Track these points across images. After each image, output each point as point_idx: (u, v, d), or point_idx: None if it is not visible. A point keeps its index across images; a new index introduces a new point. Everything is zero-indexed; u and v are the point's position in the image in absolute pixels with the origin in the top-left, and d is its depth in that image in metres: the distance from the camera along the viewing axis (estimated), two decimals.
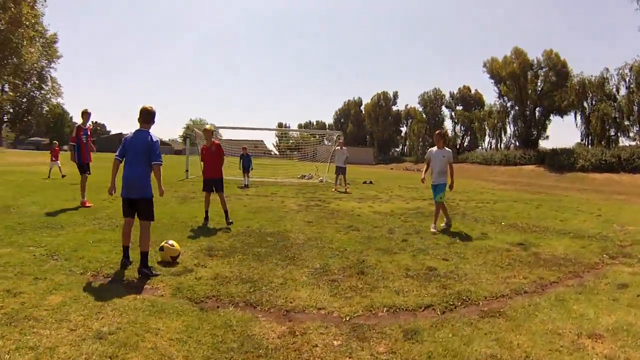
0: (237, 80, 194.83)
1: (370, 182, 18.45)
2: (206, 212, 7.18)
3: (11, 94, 50.03)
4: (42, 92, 56.61)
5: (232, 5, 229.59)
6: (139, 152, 4.30)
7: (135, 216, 4.42)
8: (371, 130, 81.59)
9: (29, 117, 60.57)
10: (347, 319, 3.18)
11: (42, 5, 43.02)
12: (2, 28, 36.28)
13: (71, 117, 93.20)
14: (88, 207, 8.18)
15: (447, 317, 3.20)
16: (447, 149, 7.23)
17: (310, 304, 3.46)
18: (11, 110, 56.45)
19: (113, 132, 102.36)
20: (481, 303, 3.54)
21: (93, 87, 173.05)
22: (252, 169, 15.95)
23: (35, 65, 49.57)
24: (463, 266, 4.71)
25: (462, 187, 18.15)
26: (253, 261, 4.77)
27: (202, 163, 7.48)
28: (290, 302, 3.50)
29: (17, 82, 47.65)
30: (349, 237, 6.31)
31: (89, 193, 8.69)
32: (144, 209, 4.34)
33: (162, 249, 4.61)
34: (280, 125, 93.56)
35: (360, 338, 2.82)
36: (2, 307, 3.18)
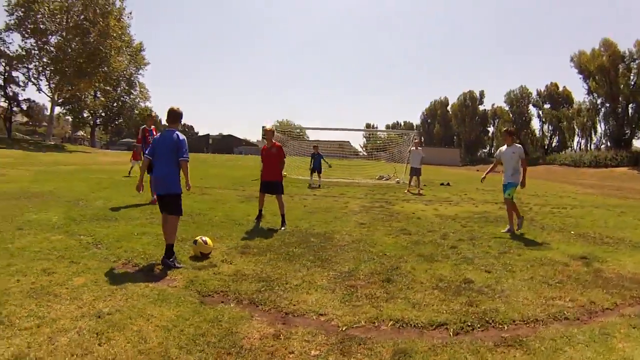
0: (323, 81, 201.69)
1: (448, 184, 18.46)
2: (260, 210, 7.41)
3: (103, 99, 57.79)
4: (132, 96, 64.64)
5: (319, 6, 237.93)
6: (167, 151, 4.72)
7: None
8: (458, 131, 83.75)
9: (120, 120, 69.38)
10: (344, 329, 3.11)
11: (128, 17, 49.39)
12: (92, 40, 42.15)
13: (160, 120, 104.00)
14: (156, 204, 9.01)
15: (456, 340, 2.95)
16: (517, 144, 7.23)
17: (312, 309, 3.47)
18: (103, 114, 65.23)
19: (201, 134, 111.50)
20: (506, 327, 3.19)
21: (181, 90, 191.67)
22: (329, 166, 16.86)
23: (124, 72, 56.69)
24: (505, 280, 4.33)
25: (542, 190, 17.75)
26: (282, 261, 4.92)
27: (261, 164, 7.63)
28: (294, 305, 3.54)
29: (108, 88, 54.78)
30: (395, 241, 6.26)
31: None
32: (170, 204, 4.76)
33: (195, 242, 5.01)
34: (367, 125, 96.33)
35: (342, 352, 2.75)
36: (34, 282, 3.74)
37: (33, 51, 44.74)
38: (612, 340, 3.00)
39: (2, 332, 2.78)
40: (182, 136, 4.81)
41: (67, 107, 57.76)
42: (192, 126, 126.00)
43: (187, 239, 5.59)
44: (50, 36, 44.19)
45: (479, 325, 3.23)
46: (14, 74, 48.87)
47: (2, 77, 49.19)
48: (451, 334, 3.10)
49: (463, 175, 32.17)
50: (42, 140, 52.36)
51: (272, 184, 7.33)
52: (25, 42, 44.34)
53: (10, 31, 43.74)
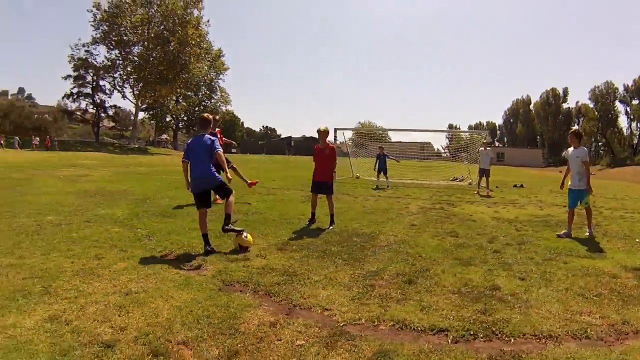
0: (403, 82, 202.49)
1: (521, 186, 18.35)
2: (313, 213, 7.84)
3: (184, 104, 63.26)
4: (213, 101, 69.93)
5: (395, 9, 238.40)
6: (201, 152, 5.59)
7: (210, 206, 5.73)
8: (541, 130, 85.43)
9: None
10: (342, 324, 3.33)
11: (206, 25, 53.89)
12: (172, 49, 46.69)
13: (242, 123, 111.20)
14: (217, 203, 9.91)
15: (449, 348, 2.95)
16: (583, 147, 7.28)
17: (320, 303, 3.74)
18: (185, 118, 71.32)
19: (283, 136, 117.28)
20: (512, 340, 3.11)
21: (261, 94, 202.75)
22: (397, 161, 17.47)
23: (205, 77, 61.57)
24: (536, 290, 4.19)
25: (623, 193, 17.29)
26: (314, 258, 5.27)
27: (314, 164, 8.06)
28: (304, 299, 3.86)
29: (189, 93, 60.02)
30: (439, 243, 6.33)
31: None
32: (220, 191, 5.78)
33: (233, 230, 5.70)
34: (450, 126, 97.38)
35: (327, 345, 2.96)
36: (84, 264, 4.56)
37: (118, 61, 51.42)
38: None
39: (47, 299, 3.54)
40: (212, 138, 5.69)
41: (151, 112, 64.32)
42: (274, 128, 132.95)
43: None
44: (133, 47, 50.12)
45: (482, 335, 3.21)
46: (101, 82, 57.57)
47: (91, 86, 58.02)
48: (449, 341, 3.13)
49: (541, 176, 30.45)
50: (127, 143, 58.73)
51: (323, 185, 7.74)
52: (110, 53, 51.41)
53: (97, 44, 51.41)
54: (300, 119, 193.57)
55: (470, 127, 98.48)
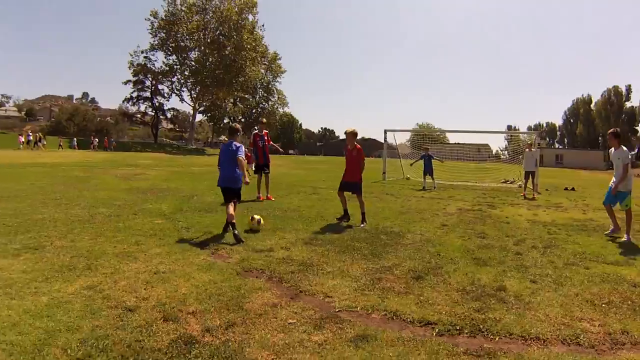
0: (461, 83, 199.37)
1: (572, 189, 17.98)
2: (345, 210, 8.24)
3: (241, 106, 66.03)
4: (270, 103, 72.34)
5: (450, 6, 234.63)
6: (228, 157, 6.67)
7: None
8: (602, 131, 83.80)
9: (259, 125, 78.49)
10: (337, 310, 3.66)
11: (261, 30, 56.04)
12: (228, 53, 49.06)
13: (300, 124, 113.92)
14: (260, 200, 10.61)
15: (429, 339, 3.16)
16: (623, 148, 7.29)
17: (324, 291, 4.09)
18: (243, 120, 74.19)
19: (342, 137, 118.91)
20: (497, 339, 3.23)
21: (319, 95, 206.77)
22: (441, 162, 17.50)
23: (262, 80, 63.93)
24: (543, 293, 4.26)
25: None
26: (336, 252, 5.64)
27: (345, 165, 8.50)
28: (311, 286, 4.24)
29: (246, 96, 62.60)
30: (463, 243, 6.49)
31: (269, 189, 11.22)
32: (234, 195, 6.68)
33: (252, 218, 6.94)
34: (509, 127, 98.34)
35: (315, 325, 3.31)
36: (125, 249, 5.28)
37: (175, 66, 55.10)
38: None
39: (88, 273, 4.24)
40: (238, 144, 6.69)
41: (208, 114, 67.65)
42: (333, 130, 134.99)
43: (276, 228, 7.03)
44: (189, 52, 53.43)
45: (467, 331, 3.35)
46: (159, 87, 61.97)
47: (150, 90, 62.87)
48: (434, 333, 3.30)
49: (599, 180, 28.38)
50: (185, 144, 62.27)
51: (350, 184, 8.13)
52: (168, 59, 55.34)
53: (155, 50, 55.53)
54: (359, 120, 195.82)
55: (529, 128, 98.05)
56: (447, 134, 63.14)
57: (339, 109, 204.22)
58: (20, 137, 43.62)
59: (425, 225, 7.89)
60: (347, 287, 4.27)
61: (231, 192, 6.63)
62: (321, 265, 5.00)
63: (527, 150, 15.20)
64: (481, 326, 3.46)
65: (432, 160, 16.39)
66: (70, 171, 16.71)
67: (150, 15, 51.66)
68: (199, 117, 68.89)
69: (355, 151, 8.08)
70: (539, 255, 5.89)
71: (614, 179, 7.30)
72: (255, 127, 13.22)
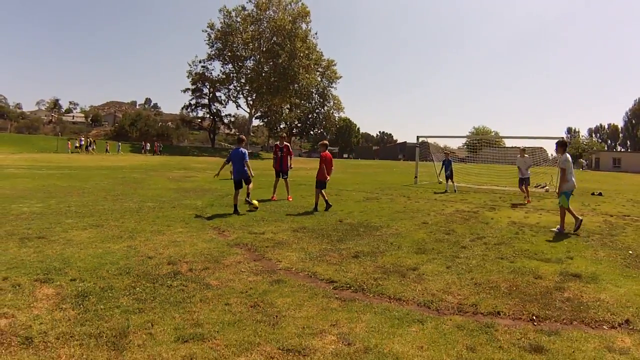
0: (519, 86, 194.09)
1: (600, 194, 18.50)
2: (316, 203, 10.99)
3: (297, 111, 69.58)
4: (326, 108, 75.12)
5: (507, 8, 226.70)
6: (237, 159, 10.10)
7: (241, 187, 9.74)
8: None
9: (316, 130, 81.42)
10: (278, 269, 5.60)
11: (314, 38, 59.07)
12: (282, 61, 52.19)
13: (358, 128, 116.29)
14: (274, 200, 12.86)
15: (324, 289, 5.00)
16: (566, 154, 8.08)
17: (278, 258, 6.08)
18: (299, 125, 77.50)
19: (399, 141, 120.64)
20: (371, 296, 4.55)
21: (376, 101, 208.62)
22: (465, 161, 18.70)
23: (317, 86, 66.95)
24: (444, 275, 5.38)
25: None
26: (312, 238, 7.52)
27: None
28: (273, 255, 6.24)
29: (302, 102, 66.08)
30: (423, 237, 7.68)
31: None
32: (247, 181, 10.12)
33: (250, 203, 10.03)
34: (569, 130, 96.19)
35: (256, 273, 5.43)
36: (158, 229, 7.70)
37: (232, 74, 59.67)
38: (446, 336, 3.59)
39: (129, 241, 6.67)
40: (245, 150, 9.52)
41: (265, 119, 71.64)
42: (390, 134, 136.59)
43: (277, 220, 9.02)
44: (245, 61, 57.31)
45: (354, 288, 4.76)
46: (217, 94, 67.52)
47: (207, 97, 68.68)
48: (332, 287, 4.82)
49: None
50: None
51: (323, 182, 11.05)
52: (225, 68, 60.10)
53: (212, 60, 60.60)
54: (418, 125, 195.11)
55: (590, 131, 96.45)
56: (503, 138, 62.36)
57: (395, 113, 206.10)
58: (68, 142, 50.45)
59: (405, 223, 9.32)
60: (297, 258, 6.16)
61: (243, 179, 9.99)
62: (291, 244, 6.98)
63: (519, 156, 15.24)
64: (365, 287, 4.84)
65: (452, 164, 17.64)
66: (129, 173, 20.18)
67: (208, 26, 56.53)
68: (256, 122, 73.23)
69: (326, 157, 11.07)
70: (480, 251, 6.80)
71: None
72: (277, 139, 16.42)
